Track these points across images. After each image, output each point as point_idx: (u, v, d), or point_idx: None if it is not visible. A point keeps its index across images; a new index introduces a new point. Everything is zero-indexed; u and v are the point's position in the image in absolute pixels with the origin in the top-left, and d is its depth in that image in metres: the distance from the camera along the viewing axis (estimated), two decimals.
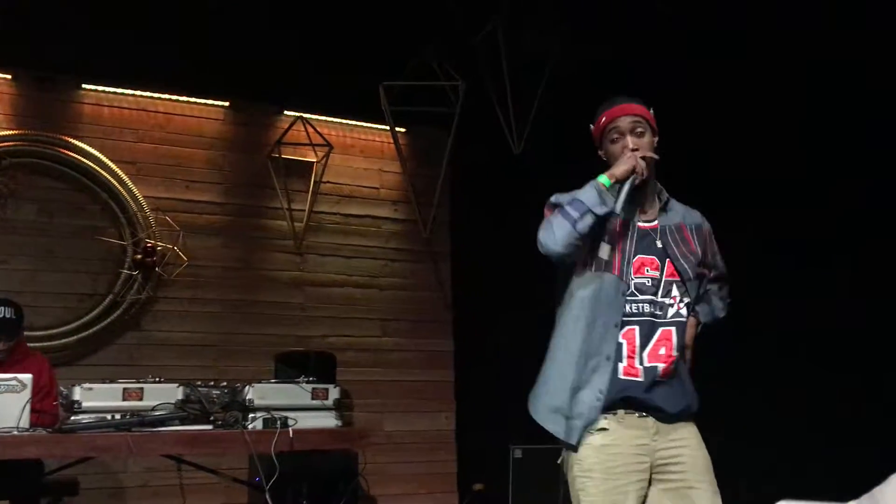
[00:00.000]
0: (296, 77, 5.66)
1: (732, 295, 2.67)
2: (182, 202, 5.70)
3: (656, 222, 2.44)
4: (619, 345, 2.33)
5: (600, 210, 2.29)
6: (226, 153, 5.89)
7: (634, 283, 2.36)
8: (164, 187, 5.65)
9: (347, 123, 6.27)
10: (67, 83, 5.48)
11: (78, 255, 5.36)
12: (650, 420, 2.32)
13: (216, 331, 5.67)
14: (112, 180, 5.44)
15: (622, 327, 2.34)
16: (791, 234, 4.95)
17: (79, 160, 5.38)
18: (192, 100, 5.81)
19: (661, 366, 2.33)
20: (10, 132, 5.26)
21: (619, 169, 2.34)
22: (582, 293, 2.37)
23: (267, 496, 3.58)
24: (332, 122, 6.20)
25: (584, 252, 2.36)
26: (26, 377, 3.50)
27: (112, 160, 5.46)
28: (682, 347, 2.39)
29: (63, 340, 5.18)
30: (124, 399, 3.55)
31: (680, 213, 2.51)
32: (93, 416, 3.47)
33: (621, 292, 2.35)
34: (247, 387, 3.76)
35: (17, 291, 4.77)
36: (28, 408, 3.45)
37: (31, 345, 4.65)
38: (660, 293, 2.37)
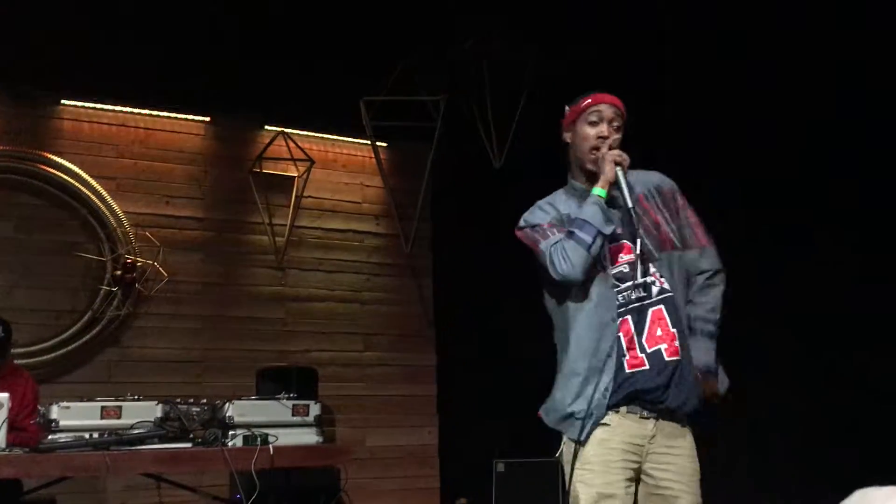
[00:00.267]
0: (277, 92, 5.65)
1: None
2: (162, 217, 5.67)
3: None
4: (618, 339, 2.34)
5: (608, 230, 2.34)
6: (206, 168, 5.87)
7: (614, 274, 2.38)
8: (144, 203, 5.62)
9: (329, 138, 6.26)
10: (46, 99, 5.45)
11: (57, 271, 5.31)
12: (650, 424, 2.33)
13: (197, 346, 5.64)
14: (91, 196, 5.40)
15: (618, 321, 2.35)
16: (790, 233, 4.99)
17: (58, 176, 5.34)
18: (173, 115, 5.79)
19: (663, 346, 2.34)
20: None
21: (607, 173, 2.37)
22: (575, 298, 2.38)
23: None
24: (313, 136, 6.19)
25: None
26: (2, 396, 3.45)
27: (92, 176, 5.43)
28: (678, 322, 2.37)
29: (41, 358, 5.13)
30: (102, 417, 3.52)
31: (637, 182, 2.46)
32: (70, 435, 3.44)
33: (610, 286, 2.37)
34: (227, 404, 3.74)
35: None
36: (5, 427, 3.41)
37: None
38: (639, 275, 2.38)
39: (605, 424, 2.32)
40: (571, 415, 2.36)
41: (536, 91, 5.54)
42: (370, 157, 6.16)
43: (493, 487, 5.58)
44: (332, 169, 6.26)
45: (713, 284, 2.50)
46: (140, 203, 5.60)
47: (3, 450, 3.38)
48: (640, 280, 2.38)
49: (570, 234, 2.34)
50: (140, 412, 3.57)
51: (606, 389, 2.32)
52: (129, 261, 5.41)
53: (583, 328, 2.36)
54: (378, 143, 6.00)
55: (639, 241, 2.39)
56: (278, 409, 3.83)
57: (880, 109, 4.66)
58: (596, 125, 2.45)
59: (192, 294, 5.68)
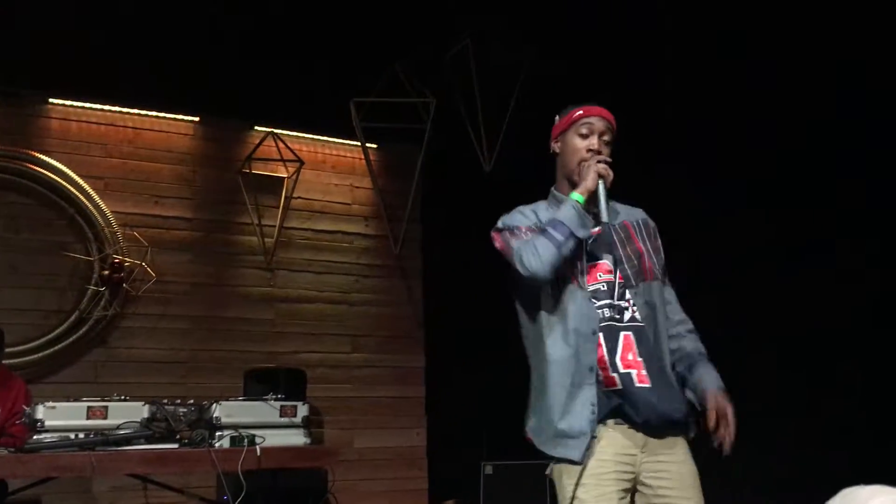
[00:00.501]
0: (266, 92, 5.64)
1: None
2: (151, 217, 5.65)
3: (599, 228, 2.41)
4: (598, 353, 2.30)
5: (582, 234, 2.31)
6: (195, 168, 5.85)
7: (591, 290, 2.35)
8: (132, 202, 5.60)
9: (319, 139, 6.26)
10: (34, 97, 5.43)
11: (44, 270, 5.29)
12: (639, 435, 2.30)
13: (185, 347, 5.62)
14: (79, 195, 5.38)
15: (598, 334, 2.31)
16: (791, 233, 5.01)
17: (46, 175, 5.32)
18: (162, 114, 5.77)
19: (633, 372, 2.30)
20: None
21: (588, 181, 2.34)
22: (551, 311, 2.36)
23: None
24: (303, 137, 6.18)
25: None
26: None
27: (80, 175, 5.41)
28: (650, 353, 2.34)
29: (28, 358, 5.10)
30: (88, 417, 3.48)
31: (623, 211, 2.51)
32: (56, 435, 3.41)
33: (588, 300, 2.34)
34: (214, 404, 3.71)
35: None
36: None
37: None
38: (615, 296, 2.37)
39: (594, 437, 2.28)
40: (563, 433, 2.31)
41: (527, 95, 5.54)
42: (360, 159, 6.15)
43: (482, 489, 5.58)
44: (322, 170, 6.25)
45: (693, 331, 2.50)
46: (128, 203, 5.58)
47: None
48: (615, 301, 2.35)
49: (543, 232, 2.31)
50: (126, 412, 3.54)
51: (593, 404, 2.29)
52: (116, 261, 5.39)
53: (561, 342, 2.33)
54: (368, 145, 6.01)
55: (618, 252, 2.38)
56: (266, 410, 3.81)
57: (880, 109, 4.67)
58: (586, 137, 2.43)
59: (181, 294, 5.67)
